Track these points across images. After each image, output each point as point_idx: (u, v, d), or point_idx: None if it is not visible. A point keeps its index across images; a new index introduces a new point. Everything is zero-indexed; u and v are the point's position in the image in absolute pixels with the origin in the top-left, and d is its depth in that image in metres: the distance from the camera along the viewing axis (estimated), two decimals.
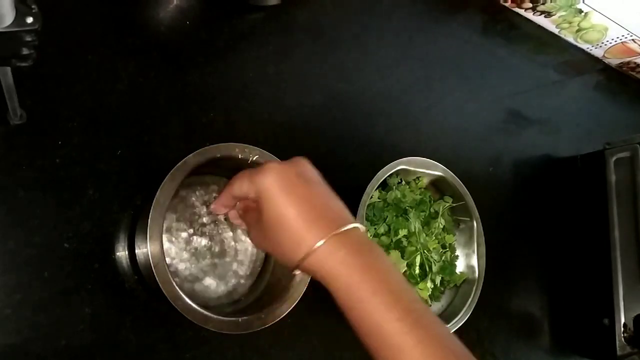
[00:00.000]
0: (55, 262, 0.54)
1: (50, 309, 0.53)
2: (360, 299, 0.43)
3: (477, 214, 0.75)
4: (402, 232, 0.70)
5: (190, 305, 0.52)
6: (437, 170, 0.73)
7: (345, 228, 0.45)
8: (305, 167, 0.49)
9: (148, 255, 0.51)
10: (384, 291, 0.43)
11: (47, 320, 0.53)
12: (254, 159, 0.58)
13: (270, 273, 0.64)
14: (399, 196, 0.72)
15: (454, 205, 0.75)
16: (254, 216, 0.50)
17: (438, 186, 0.77)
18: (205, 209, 0.62)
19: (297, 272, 0.47)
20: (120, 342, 0.56)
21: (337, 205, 0.48)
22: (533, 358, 0.86)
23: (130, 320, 0.57)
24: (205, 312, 0.53)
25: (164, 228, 0.59)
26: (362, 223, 0.66)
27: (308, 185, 0.47)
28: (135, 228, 0.57)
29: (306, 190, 0.47)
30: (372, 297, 0.43)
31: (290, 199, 0.46)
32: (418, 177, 0.74)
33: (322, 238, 0.44)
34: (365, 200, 0.66)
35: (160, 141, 0.61)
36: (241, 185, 0.49)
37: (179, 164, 0.53)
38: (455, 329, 0.70)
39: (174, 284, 0.52)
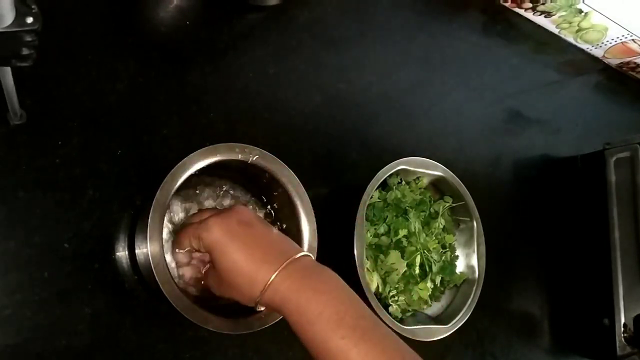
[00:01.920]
0: (55, 262, 0.54)
1: (50, 309, 0.53)
2: (308, 321, 0.46)
3: (477, 214, 0.75)
4: (402, 232, 0.70)
5: (190, 305, 0.52)
6: (437, 170, 0.73)
7: (291, 259, 0.49)
8: (243, 213, 0.53)
9: (148, 255, 0.51)
10: (329, 312, 0.46)
11: (47, 320, 0.53)
12: (254, 159, 0.58)
13: None
14: (399, 196, 0.72)
15: (454, 205, 0.75)
16: (208, 268, 0.56)
17: (438, 186, 0.77)
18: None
19: (261, 307, 0.52)
20: (120, 342, 0.56)
21: (280, 240, 0.53)
22: (533, 358, 0.86)
23: (130, 320, 0.57)
24: (206, 312, 0.53)
25: (164, 228, 0.59)
26: (362, 222, 0.66)
27: (250, 230, 0.51)
28: (135, 228, 0.57)
29: (249, 234, 0.51)
30: (317, 319, 0.46)
31: (237, 246, 0.50)
32: (418, 177, 0.74)
33: (272, 274, 0.48)
34: (365, 200, 0.66)
35: (160, 141, 0.61)
36: (191, 243, 0.53)
37: (179, 164, 0.53)
38: (455, 329, 0.70)
39: (174, 284, 0.52)
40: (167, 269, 0.52)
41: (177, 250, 0.57)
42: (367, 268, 0.68)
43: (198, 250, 0.54)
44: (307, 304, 0.47)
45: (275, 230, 0.54)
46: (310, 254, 0.52)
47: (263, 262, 0.49)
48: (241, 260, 0.50)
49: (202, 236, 0.51)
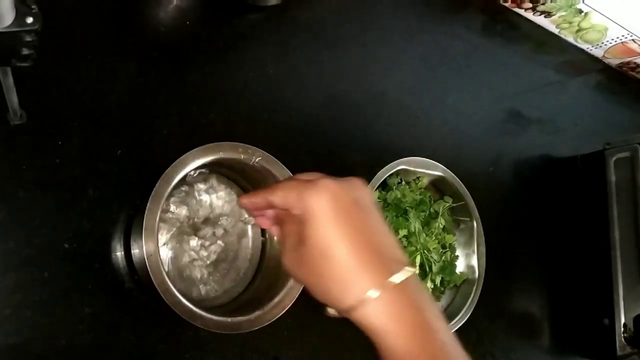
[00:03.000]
0: (55, 262, 0.54)
1: (50, 309, 0.53)
2: None
3: (477, 214, 0.75)
4: (402, 232, 0.70)
5: (187, 306, 0.52)
6: (437, 170, 0.73)
7: (402, 278, 0.39)
8: (362, 191, 0.42)
9: (143, 254, 0.50)
10: (444, 357, 0.38)
11: (47, 320, 0.53)
12: (257, 160, 0.58)
13: (265, 277, 0.64)
14: (399, 196, 0.72)
15: (454, 205, 0.75)
16: (293, 236, 0.42)
17: (438, 186, 0.77)
18: (200, 211, 0.62)
19: (335, 313, 0.41)
20: (120, 342, 0.56)
21: (392, 241, 0.41)
22: (533, 358, 0.86)
23: (130, 320, 0.57)
24: (204, 313, 0.53)
25: (161, 227, 0.59)
26: None
27: (364, 216, 0.40)
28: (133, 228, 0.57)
29: (362, 222, 0.40)
30: None
31: (344, 231, 0.39)
32: (418, 177, 0.74)
33: (375, 286, 0.38)
34: None
35: (160, 141, 0.61)
36: (286, 197, 0.41)
37: (180, 158, 0.53)
38: (455, 329, 0.70)
39: (169, 284, 0.52)
40: (162, 268, 0.51)
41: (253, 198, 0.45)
42: None
43: (286, 211, 0.42)
44: (417, 345, 0.38)
45: (386, 225, 0.43)
46: (413, 269, 0.41)
47: (368, 266, 0.39)
48: (342, 250, 0.38)
49: (306, 197, 0.39)
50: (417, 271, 0.71)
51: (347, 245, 0.39)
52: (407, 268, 0.40)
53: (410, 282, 0.39)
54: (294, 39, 0.72)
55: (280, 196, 0.42)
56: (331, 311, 0.41)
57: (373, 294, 0.38)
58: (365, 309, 0.38)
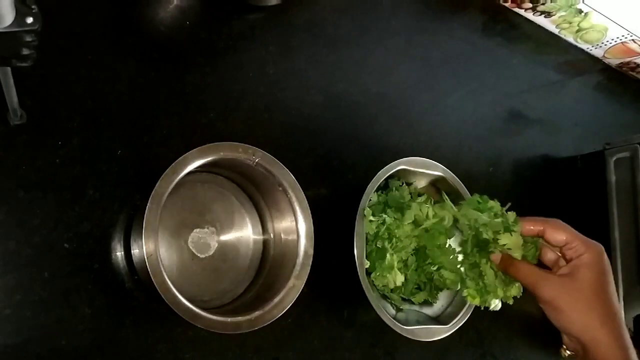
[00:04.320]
0: (55, 262, 0.54)
1: (50, 309, 0.53)
2: None
3: None
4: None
5: (187, 306, 0.52)
6: (437, 170, 0.73)
7: None
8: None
9: (143, 252, 0.50)
10: None
11: (47, 320, 0.53)
12: (257, 160, 0.58)
13: (265, 277, 0.64)
14: (399, 197, 0.71)
15: None
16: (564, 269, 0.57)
17: (438, 186, 0.76)
18: (200, 211, 0.62)
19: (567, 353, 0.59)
20: (120, 342, 0.56)
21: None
22: (533, 358, 0.86)
23: (130, 320, 0.57)
24: (204, 313, 0.53)
25: (162, 228, 0.59)
26: (362, 222, 0.65)
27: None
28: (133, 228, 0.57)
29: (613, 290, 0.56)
30: None
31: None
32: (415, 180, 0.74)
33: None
34: (365, 200, 0.66)
35: (160, 141, 0.61)
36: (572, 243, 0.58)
37: (180, 158, 0.53)
38: (455, 329, 0.70)
39: (169, 283, 0.52)
40: (162, 268, 0.51)
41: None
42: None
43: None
44: None
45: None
46: None
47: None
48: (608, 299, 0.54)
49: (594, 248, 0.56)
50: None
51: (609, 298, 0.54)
52: None
53: None
54: (294, 39, 0.72)
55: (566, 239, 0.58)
56: (566, 353, 0.58)
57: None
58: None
